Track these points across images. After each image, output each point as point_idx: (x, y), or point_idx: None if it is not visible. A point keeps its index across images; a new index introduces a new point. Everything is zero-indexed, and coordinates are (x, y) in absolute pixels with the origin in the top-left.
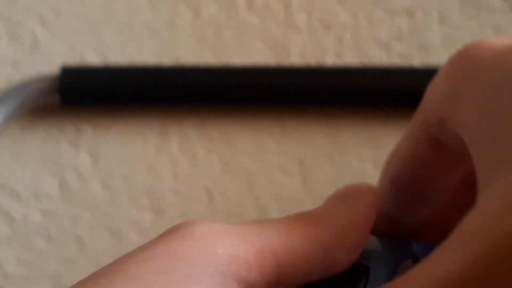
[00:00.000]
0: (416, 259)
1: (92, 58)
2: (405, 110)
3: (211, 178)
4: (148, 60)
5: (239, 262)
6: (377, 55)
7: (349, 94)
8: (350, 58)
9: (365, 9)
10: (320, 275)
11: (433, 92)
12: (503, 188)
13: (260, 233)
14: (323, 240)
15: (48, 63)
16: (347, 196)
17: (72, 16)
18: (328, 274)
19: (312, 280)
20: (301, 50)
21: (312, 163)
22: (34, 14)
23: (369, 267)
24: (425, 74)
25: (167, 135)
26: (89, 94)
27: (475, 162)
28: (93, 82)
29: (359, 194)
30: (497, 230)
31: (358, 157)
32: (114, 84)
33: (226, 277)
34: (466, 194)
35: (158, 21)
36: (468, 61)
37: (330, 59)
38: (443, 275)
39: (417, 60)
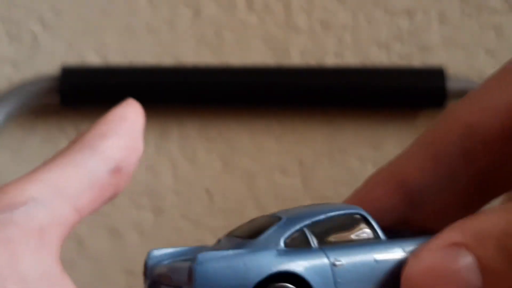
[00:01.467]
0: None
1: (92, 58)
2: (405, 110)
3: (211, 178)
4: (148, 60)
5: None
6: (377, 55)
7: (349, 94)
8: (350, 58)
9: (365, 9)
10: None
11: None
12: None
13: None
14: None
15: (48, 63)
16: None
17: (72, 16)
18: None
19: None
20: (301, 51)
21: (312, 163)
22: (34, 14)
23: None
24: (425, 74)
25: (167, 135)
26: (89, 94)
27: None
28: (93, 82)
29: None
30: None
31: (358, 157)
32: (114, 84)
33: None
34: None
35: (158, 21)
36: None
37: (330, 59)
38: None
39: (417, 60)
